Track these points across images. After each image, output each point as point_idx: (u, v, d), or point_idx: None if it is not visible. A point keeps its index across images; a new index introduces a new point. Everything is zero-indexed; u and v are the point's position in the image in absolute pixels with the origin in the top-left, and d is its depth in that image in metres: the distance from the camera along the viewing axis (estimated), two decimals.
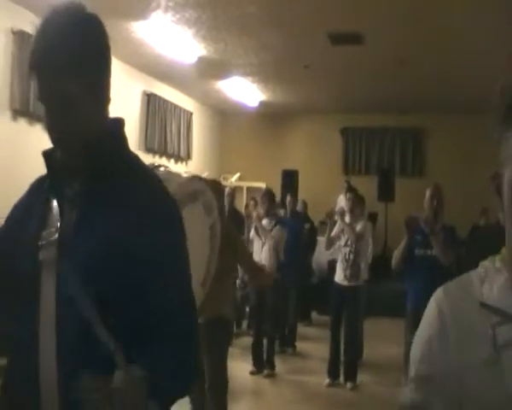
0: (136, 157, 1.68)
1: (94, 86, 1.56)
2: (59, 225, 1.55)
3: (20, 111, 8.04)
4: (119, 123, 1.68)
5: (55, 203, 1.60)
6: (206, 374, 4.75)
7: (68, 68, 1.50)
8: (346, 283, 7.12)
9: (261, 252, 7.63)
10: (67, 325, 1.45)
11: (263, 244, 7.63)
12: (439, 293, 1.30)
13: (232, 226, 5.59)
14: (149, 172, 1.71)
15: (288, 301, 8.88)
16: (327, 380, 7.26)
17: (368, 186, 12.44)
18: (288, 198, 9.68)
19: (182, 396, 1.62)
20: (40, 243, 1.54)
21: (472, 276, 1.29)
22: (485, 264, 1.29)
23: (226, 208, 9.55)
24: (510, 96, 1.20)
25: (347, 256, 7.14)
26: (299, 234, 9.48)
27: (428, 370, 1.26)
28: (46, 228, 1.56)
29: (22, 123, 8.10)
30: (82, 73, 1.52)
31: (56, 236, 1.54)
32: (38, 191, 1.69)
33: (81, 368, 1.42)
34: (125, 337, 1.43)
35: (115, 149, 1.60)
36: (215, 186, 4.71)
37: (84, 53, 1.53)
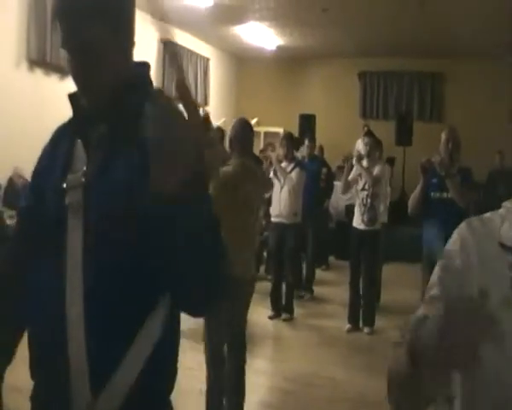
0: None
1: (119, 31, 1.52)
2: (85, 168, 1.52)
3: (37, 61, 8.05)
4: (145, 67, 1.65)
5: (80, 147, 1.56)
6: (224, 333, 4.51)
7: (93, 13, 1.46)
8: (363, 227, 7.09)
9: (280, 194, 7.56)
10: (95, 270, 1.43)
11: (282, 186, 7.55)
12: (462, 227, 1.29)
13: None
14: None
15: (306, 245, 8.93)
16: (347, 325, 7.26)
17: (386, 131, 12.34)
18: (306, 142, 9.62)
19: (212, 301, 1.46)
20: (66, 187, 1.51)
21: (493, 215, 1.27)
22: (506, 204, 1.27)
23: None
24: None
25: (365, 201, 7.11)
26: (318, 178, 9.49)
27: (442, 292, 1.24)
28: (72, 172, 1.53)
29: (39, 73, 8.11)
30: (107, 18, 1.48)
31: (83, 179, 1.50)
32: (60, 138, 1.65)
33: (110, 314, 1.42)
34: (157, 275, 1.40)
35: (142, 93, 1.50)
36: None
37: None
